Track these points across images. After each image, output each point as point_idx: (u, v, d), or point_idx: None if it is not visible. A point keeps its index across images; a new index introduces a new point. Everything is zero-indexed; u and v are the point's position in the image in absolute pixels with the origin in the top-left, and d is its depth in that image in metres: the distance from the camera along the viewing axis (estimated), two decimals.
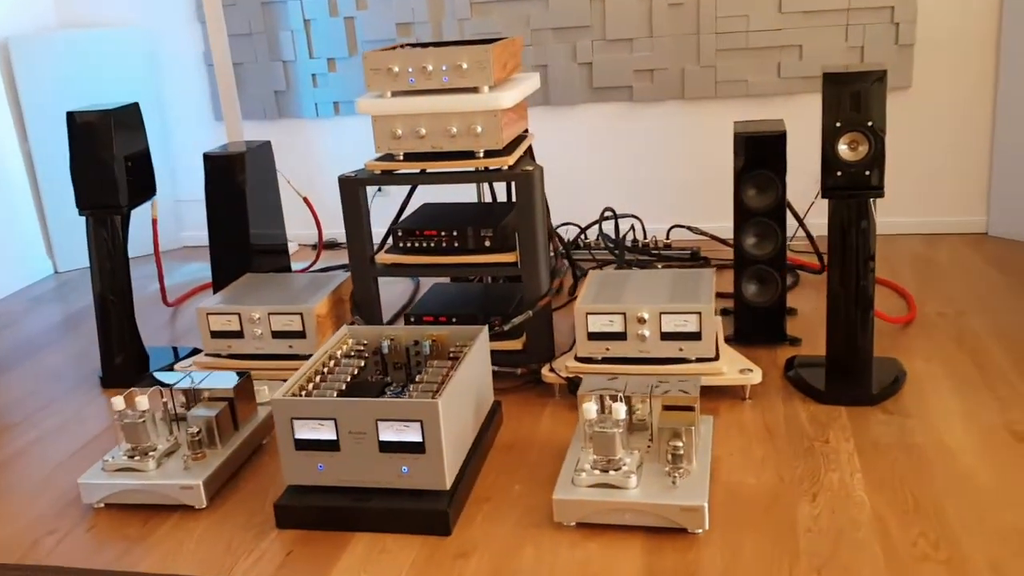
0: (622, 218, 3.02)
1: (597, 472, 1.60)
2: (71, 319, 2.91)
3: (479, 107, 2.01)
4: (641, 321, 1.98)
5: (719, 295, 2.54)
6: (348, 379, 1.77)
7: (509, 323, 2.10)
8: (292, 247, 3.43)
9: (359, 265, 2.18)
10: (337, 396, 1.70)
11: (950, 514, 1.54)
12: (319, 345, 2.18)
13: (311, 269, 3.07)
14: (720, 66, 3.01)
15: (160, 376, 1.98)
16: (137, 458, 1.77)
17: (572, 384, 2.04)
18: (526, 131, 2.30)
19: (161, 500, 1.73)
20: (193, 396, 1.90)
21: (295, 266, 3.15)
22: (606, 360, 2.04)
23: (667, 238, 3.02)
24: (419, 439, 1.58)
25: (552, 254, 2.71)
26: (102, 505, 1.77)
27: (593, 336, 2.03)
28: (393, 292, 2.84)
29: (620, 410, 1.60)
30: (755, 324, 2.27)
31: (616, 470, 1.59)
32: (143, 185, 2.35)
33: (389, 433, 1.59)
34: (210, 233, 2.57)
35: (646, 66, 3.06)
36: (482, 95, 2.01)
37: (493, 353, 2.13)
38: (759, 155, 2.17)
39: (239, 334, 2.21)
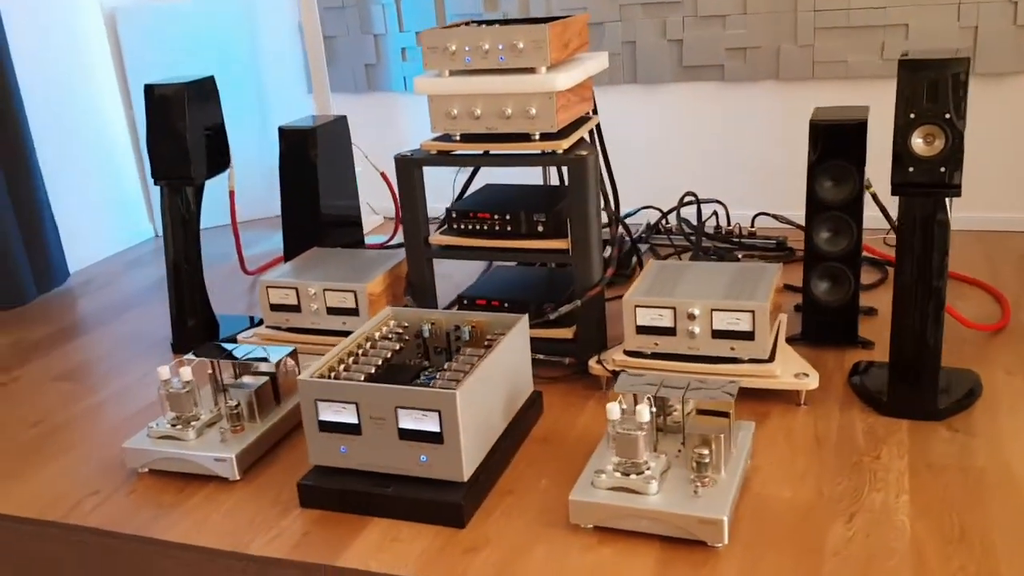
0: (705, 203, 2.91)
1: (618, 475, 1.54)
2: (161, 282, 3.02)
3: (533, 88, 1.95)
4: (691, 317, 1.90)
5: (794, 288, 2.42)
6: (380, 362, 1.77)
7: (556, 312, 2.05)
8: (377, 220, 3.47)
9: (413, 246, 2.16)
10: (365, 379, 1.69)
11: (998, 549, 1.41)
12: None
13: (388, 244, 3.09)
14: (818, 46, 2.85)
15: (217, 347, 2.02)
16: (179, 427, 1.81)
17: (616, 377, 1.97)
18: (589, 113, 2.23)
19: (196, 470, 1.78)
20: (243, 368, 1.94)
21: (375, 240, 3.18)
22: (655, 355, 1.96)
23: (752, 226, 2.90)
24: (437, 429, 1.56)
25: (623, 241, 2.64)
26: (147, 470, 1.82)
27: (641, 330, 1.95)
28: (466, 272, 2.82)
29: (644, 412, 1.53)
30: (825, 324, 2.14)
31: (638, 474, 1.53)
32: (218, 157, 2.40)
33: (408, 421, 1.58)
34: (283, 206, 2.62)
35: (739, 44, 2.92)
36: (537, 76, 1.95)
37: (543, 341, 2.10)
38: (836, 144, 2.04)
39: (297, 308, 2.24)
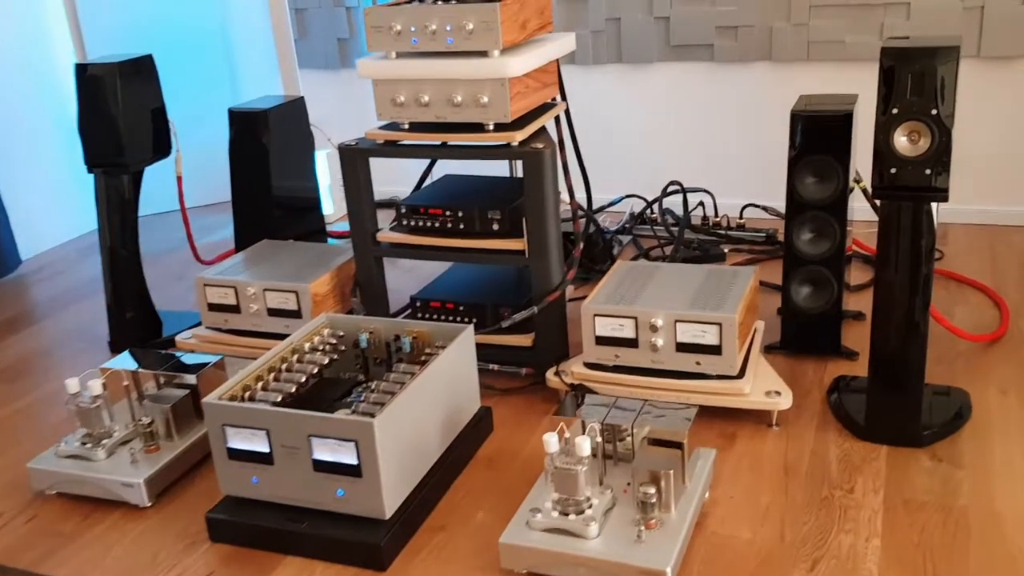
0: (691, 192, 2.73)
1: (555, 514, 1.38)
2: None
3: (484, 74, 1.77)
4: (654, 328, 1.73)
5: (777, 288, 2.24)
6: (304, 379, 1.61)
7: (509, 319, 1.88)
8: None
9: (361, 243, 2.00)
10: (286, 398, 1.54)
11: None
12: None
13: None
14: (813, 24, 2.64)
15: (149, 352, 1.88)
16: (89, 445, 1.66)
17: (575, 391, 1.81)
18: (554, 99, 2.04)
19: (105, 495, 1.63)
20: (166, 378, 1.79)
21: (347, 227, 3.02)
22: (617, 368, 1.80)
23: (740, 217, 2.71)
24: (354, 461, 1.40)
25: (601, 235, 2.46)
26: (55, 493, 1.67)
27: (601, 340, 1.79)
28: (433, 266, 2.64)
29: (584, 445, 1.37)
30: (806, 331, 1.97)
31: (578, 513, 1.37)
32: (159, 141, 2.23)
33: (323, 452, 1.42)
34: (233, 193, 2.45)
35: (730, 22, 2.72)
36: (488, 60, 1.77)
37: (499, 349, 1.94)
38: (819, 137, 1.85)
39: (236, 308, 2.08)
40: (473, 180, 2.12)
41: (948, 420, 1.67)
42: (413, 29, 1.80)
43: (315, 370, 1.64)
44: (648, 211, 2.77)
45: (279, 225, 2.43)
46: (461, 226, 1.92)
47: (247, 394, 1.54)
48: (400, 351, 1.74)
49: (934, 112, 1.48)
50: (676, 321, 1.72)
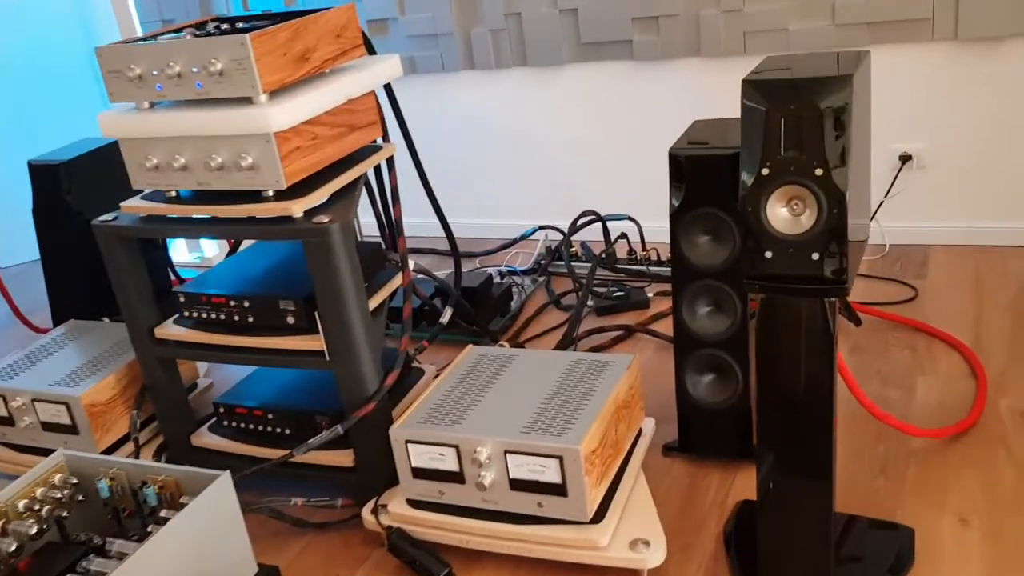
0: (613, 220, 2.27)
1: None
2: None
3: (238, 128, 1.33)
4: (478, 463, 1.29)
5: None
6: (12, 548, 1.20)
7: (305, 447, 1.45)
8: None
9: (138, 342, 1.57)
10: None
11: None
12: (99, 445, 1.62)
13: None
14: (749, 10, 2.15)
15: None
16: None
17: (390, 539, 1.38)
18: (380, 141, 1.59)
19: None
20: None
21: None
22: (445, 508, 1.36)
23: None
24: None
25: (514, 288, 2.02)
26: None
27: (420, 473, 1.35)
28: None
29: None
30: (710, 430, 1.52)
31: None
32: None
33: None
34: (43, 259, 2.04)
35: (649, 12, 2.24)
36: (248, 109, 1.32)
37: (316, 470, 1.52)
38: (709, 185, 1.39)
39: (9, 420, 1.67)
40: (289, 250, 1.68)
41: None
42: (155, 73, 1.36)
43: (13, 547, 1.22)
44: (567, 245, 2.32)
45: (101, 294, 2.01)
46: (250, 319, 1.49)
47: None
48: (147, 503, 1.32)
49: (819, 172, 1.01)
50: (506, 452, 1.27)
